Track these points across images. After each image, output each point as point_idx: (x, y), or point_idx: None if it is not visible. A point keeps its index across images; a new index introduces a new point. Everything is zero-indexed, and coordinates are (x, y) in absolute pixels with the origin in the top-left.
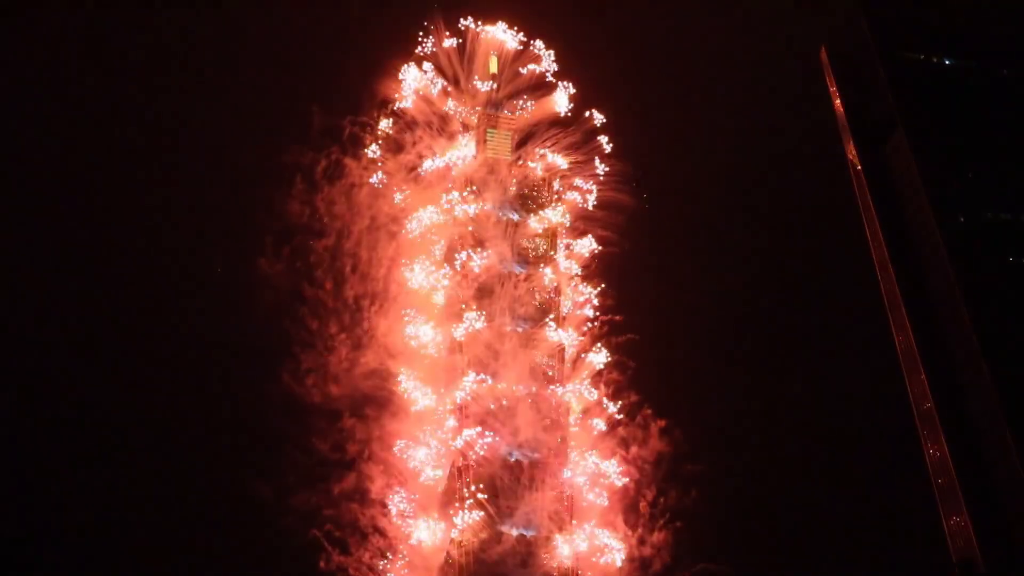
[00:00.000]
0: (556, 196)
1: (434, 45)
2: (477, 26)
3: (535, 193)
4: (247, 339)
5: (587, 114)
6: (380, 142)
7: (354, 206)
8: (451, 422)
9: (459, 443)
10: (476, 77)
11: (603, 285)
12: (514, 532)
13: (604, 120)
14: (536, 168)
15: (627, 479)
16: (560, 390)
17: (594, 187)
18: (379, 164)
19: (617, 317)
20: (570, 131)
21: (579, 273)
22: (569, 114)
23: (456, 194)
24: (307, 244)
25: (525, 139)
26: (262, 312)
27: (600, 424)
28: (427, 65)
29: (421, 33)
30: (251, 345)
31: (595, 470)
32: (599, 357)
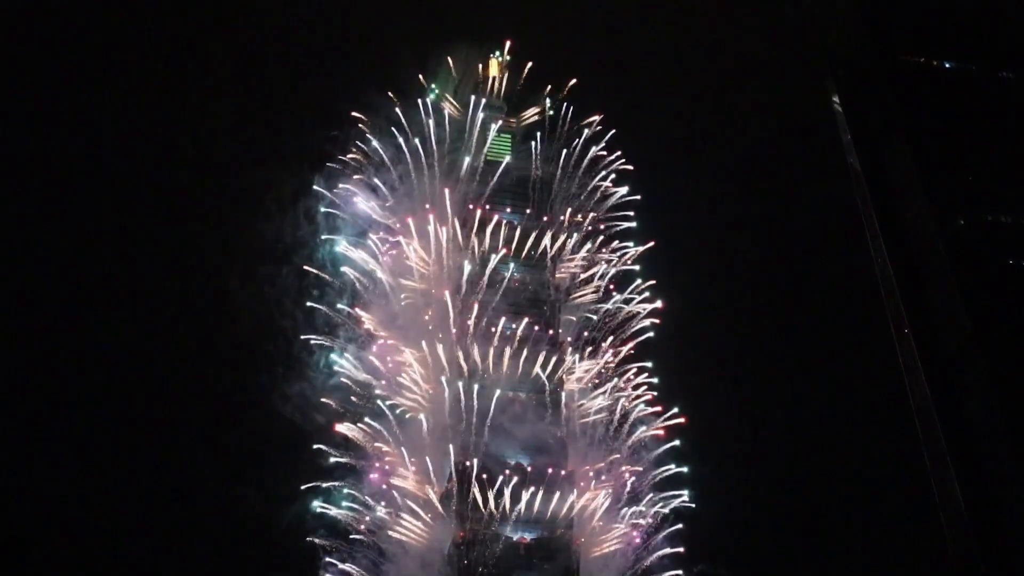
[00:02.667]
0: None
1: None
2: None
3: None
4: (241, 351)
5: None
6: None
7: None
8: (450, 425)
9: (459, 446)
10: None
11: (604, 288)
12: (515, 534)
13: (598, 121)
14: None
15: (628, 481)
16: (560, 392)
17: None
18: None
19: (617, 321)
20: (565, 138)
21: (580, 277)
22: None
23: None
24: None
25: (524, 140)
26: (259, 323)
27: (601, 426)
28: None
29: None
30: (246, 355)
31: (596, 471)
32: (599, 360)
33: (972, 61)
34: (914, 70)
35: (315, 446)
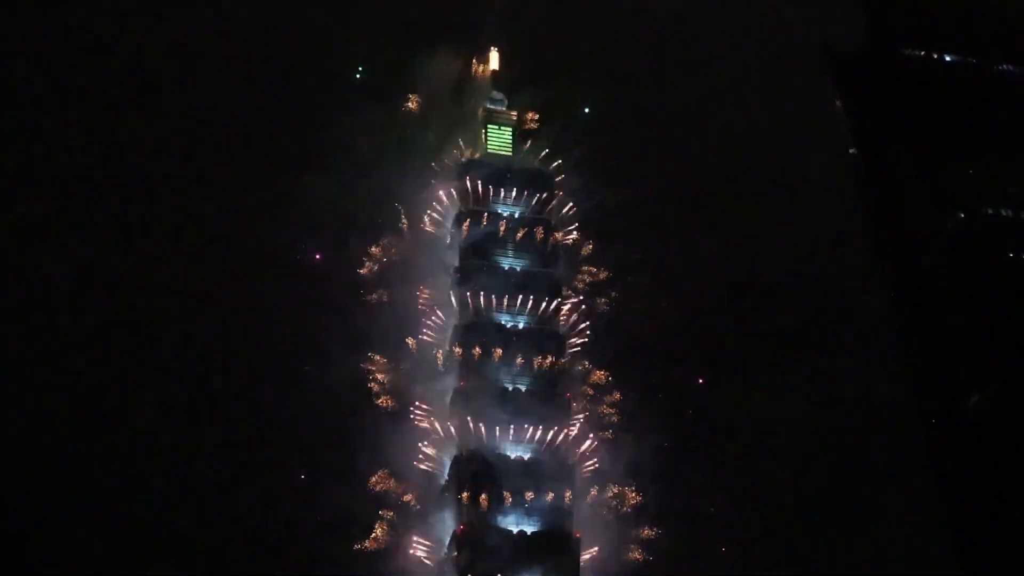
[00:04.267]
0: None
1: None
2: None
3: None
4: (248, 350)
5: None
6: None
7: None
8: (450, 419)
9: (459, 441)
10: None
11: (602, 287)
12: (515, 527)
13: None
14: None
15: (629, 479)
16: (562, 385)
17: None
18: None
19: (616, 320)
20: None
21: (578, 275)
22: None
23: None
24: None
25: (524, 135)
26: (265, 324)
27: (601, 425)
28: None
29: None
30: (252, 355)
31: (597, 469)
32: (600, 363)
33: (972, 55)
34: (914, 64)
35: (306, 451)
